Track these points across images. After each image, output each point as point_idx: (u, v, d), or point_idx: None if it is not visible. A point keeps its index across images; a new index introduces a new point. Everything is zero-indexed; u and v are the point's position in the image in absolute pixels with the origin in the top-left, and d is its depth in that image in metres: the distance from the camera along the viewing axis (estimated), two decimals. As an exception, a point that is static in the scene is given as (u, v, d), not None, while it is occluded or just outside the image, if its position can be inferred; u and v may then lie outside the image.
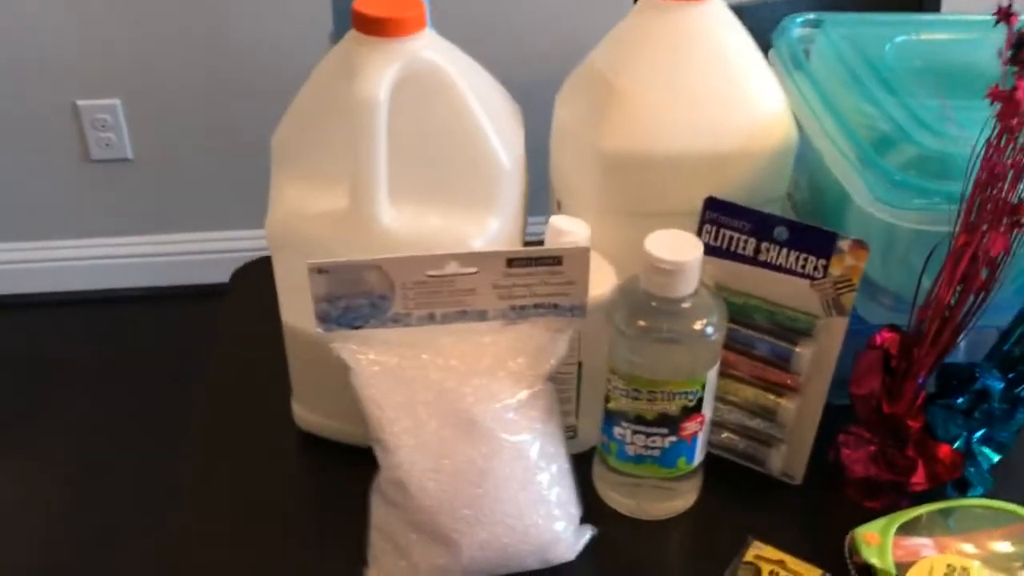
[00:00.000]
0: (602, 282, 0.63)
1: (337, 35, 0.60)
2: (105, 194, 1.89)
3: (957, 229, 0.54)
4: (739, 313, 0.63)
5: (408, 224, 0.59)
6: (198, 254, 1.92)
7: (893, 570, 0.58)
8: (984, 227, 0.53)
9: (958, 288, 0.55)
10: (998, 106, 0.49)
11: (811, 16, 0.72)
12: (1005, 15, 0.48)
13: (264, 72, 1.73)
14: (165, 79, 1.77)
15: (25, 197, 1.87)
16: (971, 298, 0.56)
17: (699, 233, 0.63)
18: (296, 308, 0.63)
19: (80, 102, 1.78)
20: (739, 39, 0.65)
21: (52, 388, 1.74)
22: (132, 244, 1.94)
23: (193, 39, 1.73)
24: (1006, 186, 0.52)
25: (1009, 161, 0.50)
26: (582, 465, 0.66)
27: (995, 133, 0.50)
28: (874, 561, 0.58)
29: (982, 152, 0.51)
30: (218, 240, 1.92)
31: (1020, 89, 0.48)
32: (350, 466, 0.63)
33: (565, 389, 0.65)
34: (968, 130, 0.55)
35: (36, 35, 1.71)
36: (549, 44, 1.53)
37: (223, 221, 1.90)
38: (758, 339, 0.63)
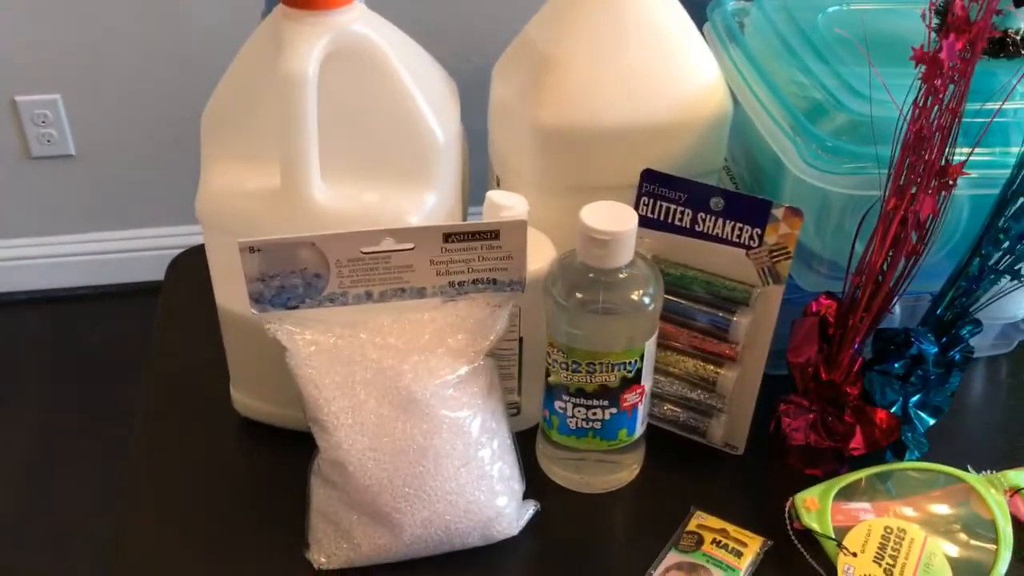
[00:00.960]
0: (542, 257, 0.63)
1: (267, 13, 0.59)
2: (48, 191, 1.85)
3: (887, 193, 0.54)
4: (678, 284, 0.63)
5: (342, 201, 0.58)
6: (144, 251, 1.89)
7: (832, 534, 0.58)
8: (913, 190, 0.53)
9: (890, 252, 0.55)
10: (923, 68, 0.49)
11: (744, -11, 0.73)
12: (927, -23, 0.49)
13: (206, 63, 1.70)
14: (106, 73, 1.73)
15: (-36, 196, 1.83)
16: (903, 262, 0.57)
17: (636, 205, 0.63)
18: (231, 291, 0.62)
19: (19, 98, 1.75)
20: (672, 11, 0.65)
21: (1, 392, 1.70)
22: (76, 242, 1.90)
23: (133, 32, 1.70)
24: (934, 148, 0.52)
25: (935, 123, 0.51)
26: (527, 441, 0.66)
27: (921, 95, 0.51)
28: (814, 526, 0.59)
29: (909, 115, 0.52)
30: (163, 236, 1.89)
31: (943, 49, 0.48)
32: (290, 450, 0.62)
33: (507, 365, 0.65)
34: (898, 96, 0.55)
35: (-29, 30, 1.67)
36: (491, 17, 1.51)
37: (168, 216, 1.87)
38: (697, 310, 0.63)
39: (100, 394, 1.66)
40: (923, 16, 0.50)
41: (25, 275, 1.90)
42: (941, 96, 0.49)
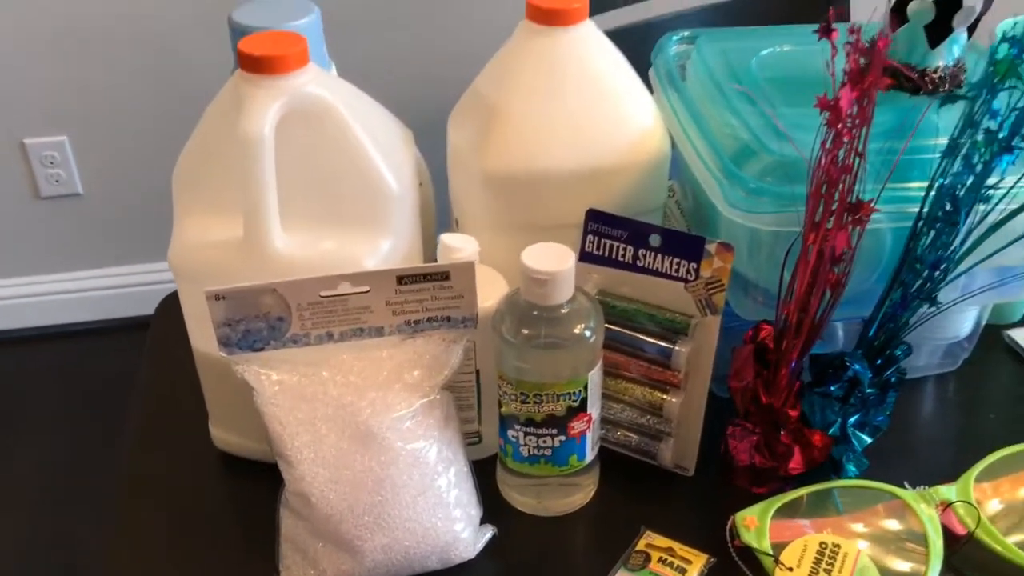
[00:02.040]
0: (495, 294, 0.67)
1: (235, 70, 0.63)
2: (56, 230, 1.91)
3: (804, 230, 0.58)
4: (625, 316, 0.67)
5: (302, 249, 0.63)
6: (151, 285, 1.94)
7: (770, 551, 0.62)
8: (828, 225, 0.57)
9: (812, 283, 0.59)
10: (827, 114, 0.53)
11: (687, 33, 0.76)
12: (826, 31, 0.53)
13: (210, 100, 1.76)
14: (111, 115, 1.79)
15: (-24, 237, 1.89)
16: (827, 292, 0.60)
17: (583, 243, 0.67)
18: (204, 334, 0.66)
19: (28, 140, 1.81)
20: (612, 59, 0.69)
21: (7, 421, 1.75)
22: (84, 278, 1.96)
23: (137, 74, 1.76)
24: (845, 187, 0.56)
25: (842, 164, 0.54)
26: (491, 468, 0.70)
27: (828, 138, 0.55)
28: (752, 543, 0.62)
29: (818, 157, 0.56)
30: (169, 272, 1.94)
31: (843, 99, 0.52)
32: (265, 482, 0.66)
33: (465, 397, 0.69)
34: (819, 136, 0.59)
35: (-21, 76, 1.74)
36: (449, 70, 1.57)
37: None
38: (643, 341, 0.67)
39: (108, 428, 1.71)
40: (826, 65, 0.54)
41: (34, 311, 1.96)
42: (844, 140, 0.53)
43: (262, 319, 0.61)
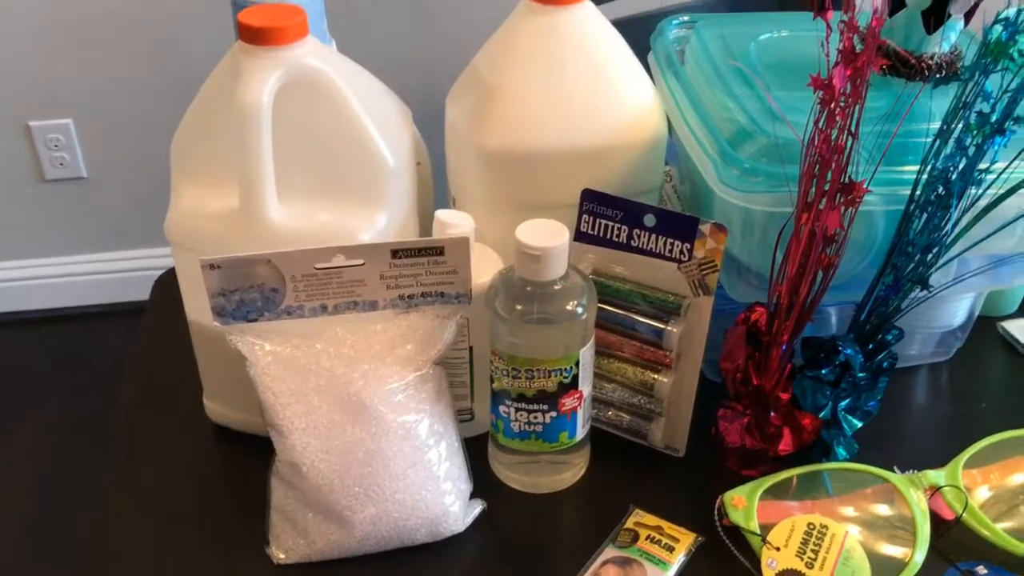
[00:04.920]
0: (490, 271, 0.67)
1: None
2: (61, 212, 1.92)
3: (797, 210, 0.58)
4: (619, 296, 0.67)
5: (298, 220, 0.63)
6: (153, 270, 1.94)
7: (757, 530, 0.62)
8: (820, 206, 0.57)
9: (803, 264, 0.59)
10: (820, 93, 0.53)
11: (686, 18, 0.77)
12: (821, 10, 0.53)
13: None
14: (116, 98, 1.80)
15: (-20, 218, 1.90)
16: (819, 274, 0.60)
17: (578, 223, 0.67)
18: (199, 305, 0.66)
19: (33, 123, 1.82)
20: (610, 40, 0.69)
21: (10, 404, 1.76)
22: (88, 261, 1.97)
23: (141, 59, 1.76)
24: (837, 166, 0.56)
25: (835, 144, 0.55)
26: (482, 445, 0.70)
27: (821, 117, 0.55)
28: (740, 523, 0.62)
29: (811, 137, 0.56)
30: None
31: (836, 77, 0.52)
32: (257, 454, 0.66)
33: (458, 373, 0.69)
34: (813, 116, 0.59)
35: (-15, 58, 1.74)
36: (450, 51, 1.58)
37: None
38: (636, 320, 0.67)
39: (108, 410, 1.71)
40: (821, 45, 0.54)
41: (38, 294, 1.96)
42: (837, 119, 0.53)
43: (256, 290, 0.61)
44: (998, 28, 0.55)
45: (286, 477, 0.63)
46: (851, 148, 0.54)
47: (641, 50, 0.76)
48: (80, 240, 1.95)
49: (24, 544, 1.50)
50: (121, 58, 1.76)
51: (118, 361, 1.83)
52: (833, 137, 0.54)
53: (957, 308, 0.76)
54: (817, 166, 0.55)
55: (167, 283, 0.87)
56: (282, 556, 0.63)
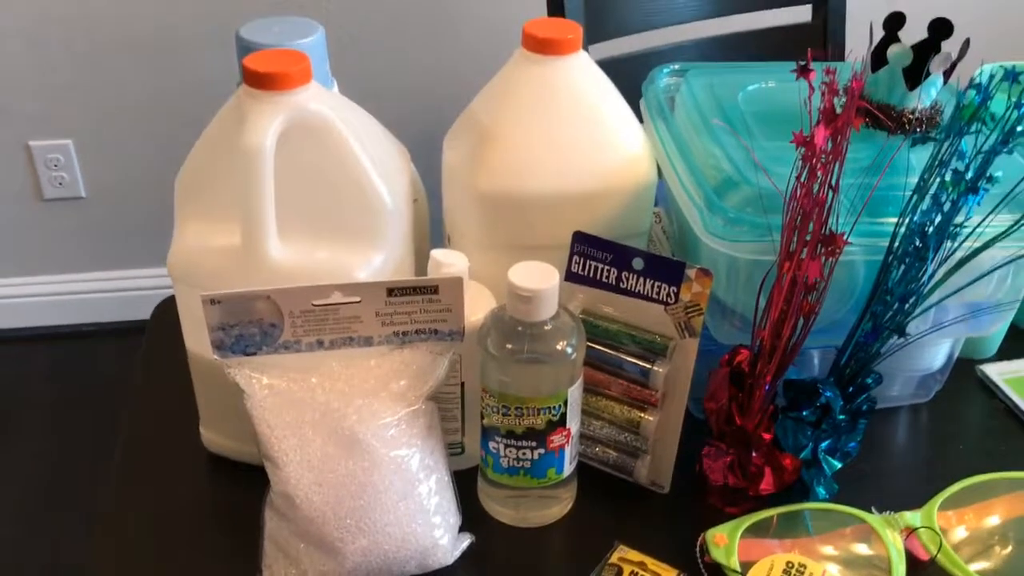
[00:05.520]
0: (483, 308, 0.69)
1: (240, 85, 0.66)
2: (58, 232, 1.93)
3: (779, 258, 0.60)
4: (608, 336, 0.69)
5: (297, 258, 0.65)
6: (150, 290, 1.96)
7: (738, 568, 0.64)
8: (801, 256, 0.59)
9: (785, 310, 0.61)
10: (803, 149, 0.56)
11: (676, 66, 0.79)
12: (803, 71, 0.55)
13: (210, 112, 1.79)
14: (115, 119, 1.82)
15: (-21, 237, 1.92)
16: (801, 320, 0.62)
17: (568, 264, 0.69)
18: (198, 337, 0.68)
19: (33, 143, 1.84)
20: (603, 88, 0.71)
21: (5, 421, 1.77)
22: (86, 280, 1.98)
23: (141, 80, 1.79)
24: (818, 219, 0.58)
25: (816, 197, 0.57)
26: (472, 479, 0.72)
27: (803, 172, 0.57)
28: (721, 560, 0.64)
29: (793, 189, 0.58)
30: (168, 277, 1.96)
31: (817, 135, 0.54)
32: (252, 484, 0.68)
33: (450, 408, 0.71)
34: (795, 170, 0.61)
35: (-12, 79, 1.76)
36: (446, 92, 1.61)
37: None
38: (625, 360, 0.69)
39: (103, 430, 1.72)
40: (804, 104, 0.56)
41: (35, 311, 1.98)
42: (818, 174, 0.56)
43: (255, 324, 0.63)
44: (972, 92, 0.57)
45: (280, 508, 0.64)
46: (832, 201, 0.57)
47: (634, 89, 0.78)
48: (78, 259, 1.97)
49: (16, 568, 1.51)
50: (121, 81, 1.78)
51: (114, 380, 1.84)
52: (815, 191, 0.56)
53: (937, 352, 0.78)
54: (799, 218, 0.57)
55: (166, 309, 0.89)
56: (274, 586, 0.64)
